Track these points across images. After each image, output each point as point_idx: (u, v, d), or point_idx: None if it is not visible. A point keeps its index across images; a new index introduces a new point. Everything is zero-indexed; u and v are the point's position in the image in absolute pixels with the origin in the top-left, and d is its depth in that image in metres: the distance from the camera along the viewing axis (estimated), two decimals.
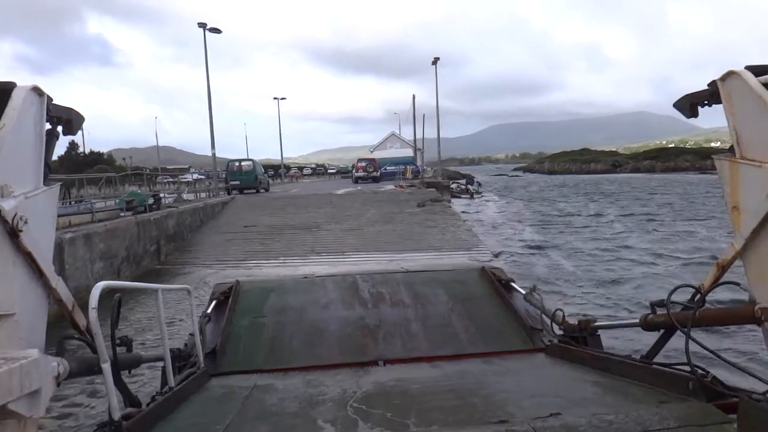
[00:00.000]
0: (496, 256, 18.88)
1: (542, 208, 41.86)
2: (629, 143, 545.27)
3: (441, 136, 62.17)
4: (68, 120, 3.26)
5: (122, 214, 18.70)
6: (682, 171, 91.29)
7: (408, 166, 51.42)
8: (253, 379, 4.53)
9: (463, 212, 27.87)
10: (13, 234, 2.39)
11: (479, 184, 58.37)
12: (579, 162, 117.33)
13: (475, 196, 51.63)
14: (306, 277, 6.88)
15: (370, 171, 47.82)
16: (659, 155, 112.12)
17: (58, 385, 2.57)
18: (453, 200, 38.03)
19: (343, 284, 6.38)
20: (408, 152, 65.37)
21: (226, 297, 5.99)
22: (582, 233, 26.52)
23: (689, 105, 3.33)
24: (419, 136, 67.28)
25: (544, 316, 5.40)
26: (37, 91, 2.84)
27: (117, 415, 2.75)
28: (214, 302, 6.00)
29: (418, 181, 42.47)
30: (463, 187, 53.55)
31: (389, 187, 36.99)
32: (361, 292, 6.18)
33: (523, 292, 5.99)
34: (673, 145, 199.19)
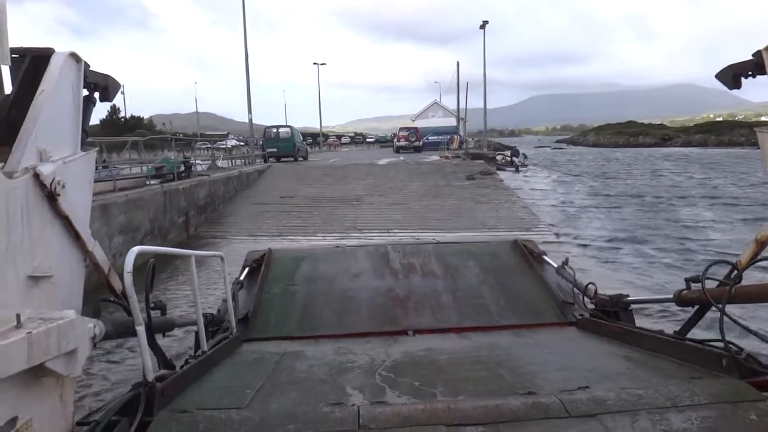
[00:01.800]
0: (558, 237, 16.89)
1: (604, 186, 34.81)
2: (675, 116, 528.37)
3: (479, 106, 59.80)
4: (105, 87, 3.29)
5: (149, 183, 17.17)
6: (737, 146, 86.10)
7: (455, 136, 49.02)
8: (283, 346, 4.57)
9: (514, 188, 25.53)
10: (51, 198, 2.48)
11: (525, 156, 55.63)
12: (626, 135, 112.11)
13: (520, 169, 49.10)
14: (338, 247, 7.03)
15: (413, 140, 45.66)
16: (712, 129, 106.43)
17: (95, 345, 2.62)
18: (498, 173, 35.57)
19: (374, 254, 6.43)
20: (452, 121, 62.67)
21: (259, 265, 6.05)
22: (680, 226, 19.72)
23: (732, 76, 3.22)
24: (462, 105, 64.82)
25: (576, 290, 5.32)
26: (74, 57, 2.88)
27: (151, 376, 2.78)
28: (246, 269, 6.06)
29: (462, 152, 40.39)
30: (508, 159, 50.96)
31: (433, 157, 34.99)
32: (392, 262, 6.21)
33: (555, 265, 5.99)
34: (720, 119, 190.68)
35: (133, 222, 14.05)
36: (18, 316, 2.10)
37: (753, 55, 3.07)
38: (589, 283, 5.26)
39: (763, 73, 2.98)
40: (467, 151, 40.13)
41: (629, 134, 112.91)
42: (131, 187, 15.43)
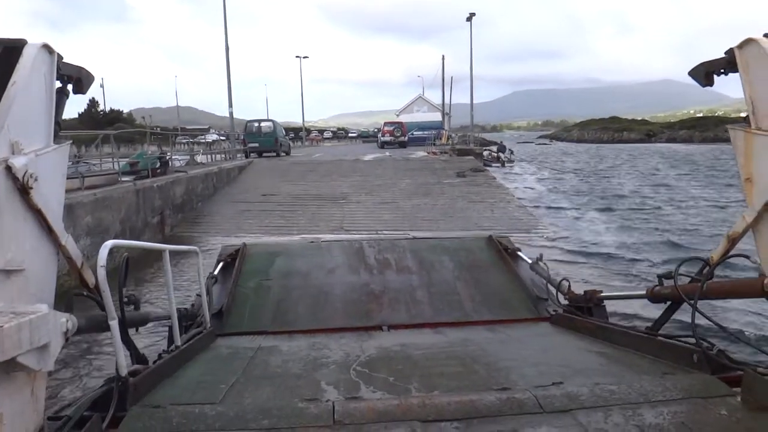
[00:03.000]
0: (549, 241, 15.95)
1: (596, 183, 33.07)
2: (656, 112, 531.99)
3: (462, 101, 58.67)
4: (78, 78, 3.24)
5: (121, 180, 15.96)
6: (722, 141, 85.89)
7: (444, 131, 48.00)
8: (258, 341, 4.56)
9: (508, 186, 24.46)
10: (24, 191, 2.45)
11: (511, 152, 54.87)
12: (611, 131, 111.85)
13: (506, 164, 48.31)
14: (312, 242, 7.03)
15: (398, 135, 44.58)
16: (696, 125, 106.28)
17: (67, 340, 2.57)
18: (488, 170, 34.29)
19: (349, 249, 6.40)
20: (437, 116, 61.44)
21: (233, 259, 6.00)
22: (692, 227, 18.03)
23: (704, 73, 3.24)
24: (446, 100, 63.73)
25: (549, 285, 5.35)
26: (47, 48, 2.85)
27: (124, 372, 2.77)
28: (221, 264, 5.99)
29: (449, 147, 39.49)
30: (495, 154, 50.13)
31: (420, 153, 34.03)
32: (367, 257, 6.17)
33: (530, 261, 5.99)
34: (701, 115, 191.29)
35: (102, 223, 12.89)
36: None
37: (726, 53, 3.11)
38: (563, 279, 5.28)
39: (735, 70, 3.03)
40: (453, 147, 39.25)
41: (614, 130, 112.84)
42: (101, 184, 14.22)
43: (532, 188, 30.14)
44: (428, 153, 33.33)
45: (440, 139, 45.24)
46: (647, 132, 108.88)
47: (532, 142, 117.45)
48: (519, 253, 6.34)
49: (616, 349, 3.75)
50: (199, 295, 4.91)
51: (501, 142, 62.87)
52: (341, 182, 22.85)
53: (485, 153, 46.61)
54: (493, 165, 44.93)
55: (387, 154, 35.02)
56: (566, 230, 17.31)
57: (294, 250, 6.52)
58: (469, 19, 43.64)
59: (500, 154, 50.33)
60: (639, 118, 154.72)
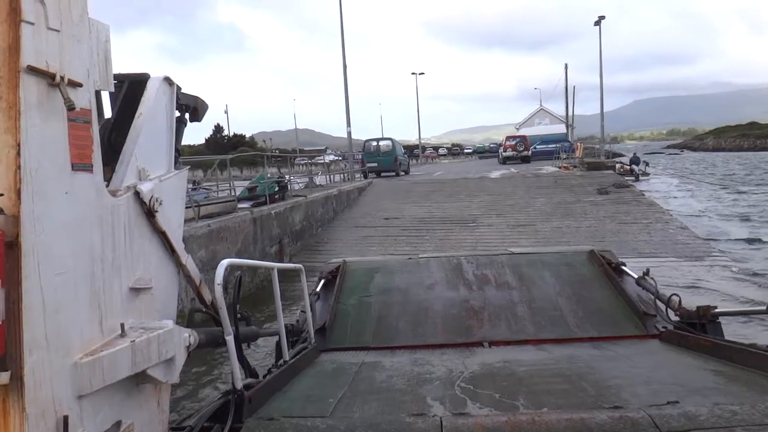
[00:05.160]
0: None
1: None
2: None
3: (577, 113, 54.81)
4: (194, 108, 3.51)
5: (240, 206, 14.95)
6: None
7: (579, 143, 44.80)
8: (360, 356, 4.63)
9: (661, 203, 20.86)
10: (150, 214, 2.69)
11: (646, 164, 50.43)
12: (751, 138, 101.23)
13: (641, 177, 44.24)
14: (410, 258, 7.01)
15: (521, 150, 42.09)
16: None
17: (189, 354, 2.71)
18: (635, 185, 29.81)
19: (447, 265, 6.34)
20: (561, 128, 57.79)
21: (334, 276, 6.07)
22: None
23: None
24: (565, 111, 60.00)
25: (658, 301, 5.12)
26: (168, 81, 3.10)
27: (239, 385, 2.89)
28: (322, 281, 6.06)
29: (577, 161, 36.49)
30: (627, 167, 46.14)
31: (548, 168, 31.47)
32: (465, 273, 6.12)
33: (635, 276, 5.76)
34: None
35: (217, 256, 11.77)
36: (122, 326, 2.36)
37: None
38: (673, 294, 5.07)
39: None
40: (582, 161, 36.22)
41: (755, 137, 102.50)
42: (217, 213, 13.22)
43: (685, 205, 25.71)
44: (561, 168, 30.70)
45: (574, 152, 41.98)
46: None
47: (661, 153, 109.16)
48: (623, 267, 6.09)
49: (734, 367, 3.59)
50: (303, 312, 4.97)
51: (635, 153, 58.22)
52: (469, 203, 20.91)
53: (617, 166, 43.06)
54: (626, 178, 41.17)
55: (513, 170, 32.72)
56: (750, 260, 14.26)
57: (392, 267, 6.51)
58: (597, 23, 40.54)
59: (633, 167, 46.24)
60: None
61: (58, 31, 2.16)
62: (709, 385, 3.30)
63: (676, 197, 28.67)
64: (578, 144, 44.35)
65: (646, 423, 2.54)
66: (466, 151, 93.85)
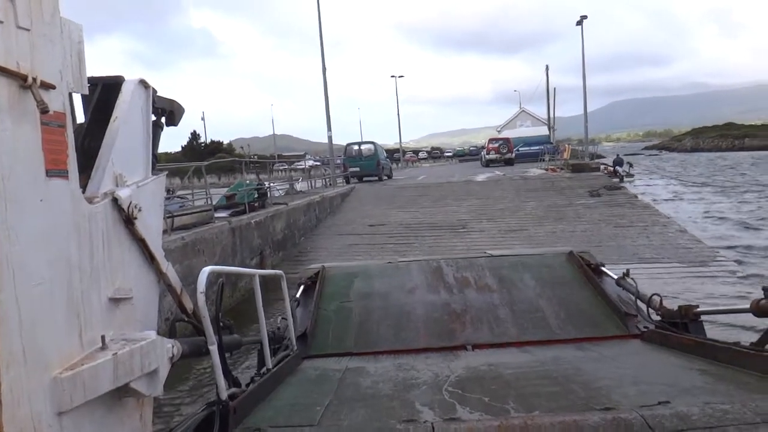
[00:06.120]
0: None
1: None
2: None
3: (556, 115, 54.45)
4: (171, 111, 3.40)
5: (217, 216, 13.98)
6: None
7: (567, 145, 44.34)
8: (343, 362, 4.61)
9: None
10: (129, 221, 2.61)
11: (630, 165, 50.18)
12: (729, 138, 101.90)
13: (625, 179, 43.90)
14: (390, 263, 6.95)
15: (504, 152, 41.40)
16: None
17: (172, 365, 2.63)
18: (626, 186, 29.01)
19: (427, 269, 6.31)
20: (543, 130, 57.17)
21: (313, 282, 6.01)
22: None
23: None
24: (546, 113, 59.66)
25: (639, 301, 5.11)
26: (143, 83, 3.02)
27: (224, 395, 2.80)
28: (302, 287, 6.00)
29: (561, 163, 36.07)
30: (611, 169, 45.85)
31: (535, 170, 30.84)
32: (446, 276, 6.09)
33: (615, 276, 5.80)
34: None
35: (194, 271, 10.81)
36: (103, 338, 2.26)
37: None
38: (654, 294, 5.02)
39: None
40: (567, 162, 35.79)
41: (733, 137, 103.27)
42: (193, 224, 12.27)
43: (676, 208, 25.12)
44: (548, 170, 30.11)
45: (561, 153, 41.50)
46: None
47: (640, 154, 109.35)
48: (603, 268, 6.12)
49: (719, 366, 3.57)
50: (284, 319, 4.86)
51: (618, 154, 58.06)
52: (457, 207, 20.13)
53: (601, 167, 42.73)
54: (613, 180, 40.82)
55: (498, 173, 32.04)
56: (756, 265, 13.61)
57: (372, 271, 6.46)
58: (579, 23, 40.18)
59: (617, 168, 45.98)
60: (759, 123, 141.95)
61: (28, 30, 2.07)
62: (697, 384, 3.32)
63: (666, 200, 28.11)
64: (566, 145, 43.93)
65: (638, 424, 2.54)
66: (446, 154, 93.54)
